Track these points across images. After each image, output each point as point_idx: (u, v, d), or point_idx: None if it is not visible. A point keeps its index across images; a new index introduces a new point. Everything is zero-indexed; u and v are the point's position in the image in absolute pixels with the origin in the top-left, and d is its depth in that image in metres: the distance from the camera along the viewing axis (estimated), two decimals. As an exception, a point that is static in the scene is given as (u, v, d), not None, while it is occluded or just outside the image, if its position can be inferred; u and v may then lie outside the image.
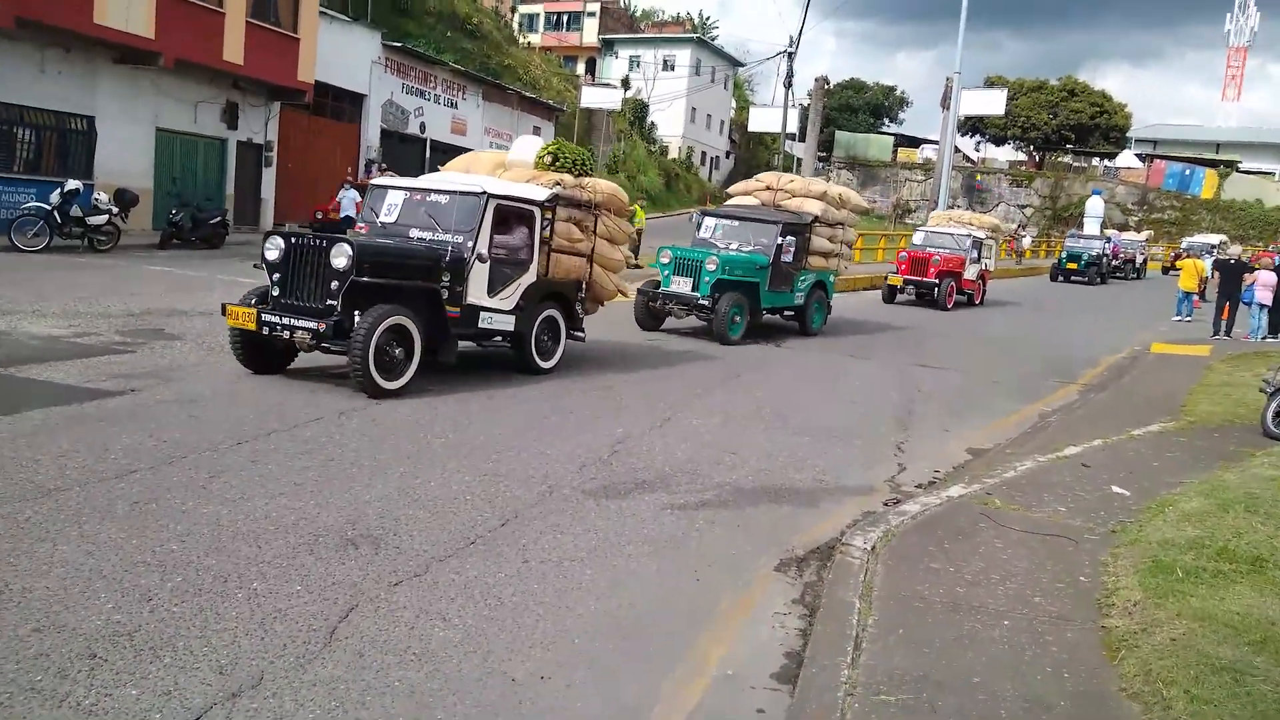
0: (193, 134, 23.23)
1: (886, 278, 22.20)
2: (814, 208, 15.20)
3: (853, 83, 73.71)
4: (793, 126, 39.93)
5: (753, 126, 50.52)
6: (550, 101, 42.86)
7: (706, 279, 13.13)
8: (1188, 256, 25.65)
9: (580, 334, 10.56)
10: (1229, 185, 54.70)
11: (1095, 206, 49.19)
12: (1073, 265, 34.26)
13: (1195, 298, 22.68)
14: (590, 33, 65.17)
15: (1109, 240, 37.21)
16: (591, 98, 45.56)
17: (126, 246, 17.96)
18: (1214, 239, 43.34)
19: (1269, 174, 57.79)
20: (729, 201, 16.41)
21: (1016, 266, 37.36)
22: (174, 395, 7.48)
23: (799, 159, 42.02)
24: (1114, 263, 37.19)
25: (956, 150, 48.67)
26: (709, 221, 15.30)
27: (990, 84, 50.95)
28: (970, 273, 22.62)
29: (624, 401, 8.99)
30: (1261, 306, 17.91)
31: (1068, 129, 59.42)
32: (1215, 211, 53.41)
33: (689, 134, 62.32)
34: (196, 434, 6.42)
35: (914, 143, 63.67)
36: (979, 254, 23.19)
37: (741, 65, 68.88)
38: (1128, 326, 20.33)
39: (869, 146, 60.78)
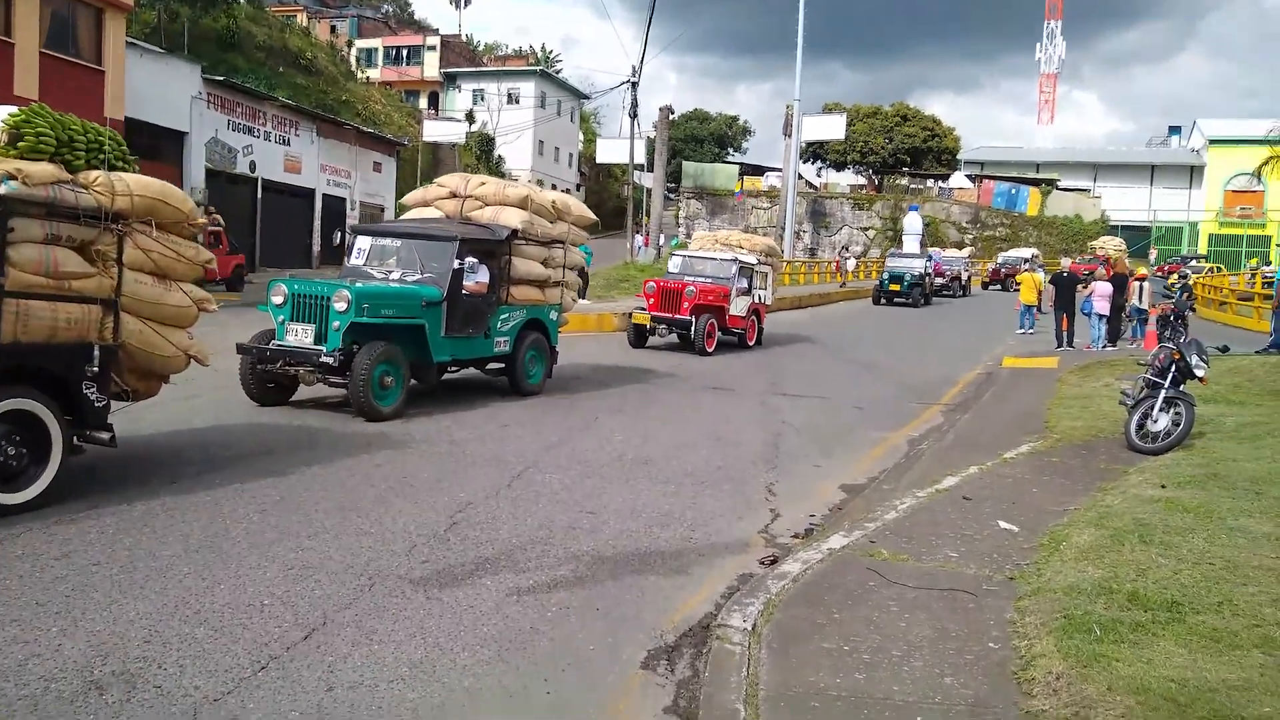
0: (-18, 179, 20.89)
1: (631, 315, 17.47)
2: (513, 219, 11.13)
3: (696, 113, 75.02)
4: (640, 157, 39.83)
5: (600, 158, 50.28)
6: (390, 136, 41.41)
7: (335, 324, 9.08)
8: (1026, 270, 26.54)
9: (104, 435, 6.31)
10: (1051, 202, 57.96)
11: (913, 224, 49.95)
12: (895, 286, 32.24)
13: (1035, 310, 23.34)
14: (431, 67, 63.95)
15: (930, 258, 36.06)
16: (434, 131, 44.51)
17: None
18: (1026, 253, 45.52)
19: (1085, 190, 61.65)
20: (405, 216, 12.36)
21: (840, 290, 36.45)
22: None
23: (648, 189, 41.97)
24: (939, 281, 36.58)
25: (800, 177, 49.76)
26: (362, 242, 11.15)
27: (829, 110, 52.40)
28: (737, 307, 17.82)
29: (470, 458, 8.03)
30: (1100, 316, 18.43)
31: (903, 153, 61.84)
32: (1040, 227, 56.39)
33: (538, 167, 61.72)
34: (-83, 543, 5.12)
35: (759, 171, 64.88)
36: (749, 284, 18.49)
37: (587, 97, 68.99)
38: (968, 348, 20.65)
39: (715, 176, 61.53)
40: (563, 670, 4.12)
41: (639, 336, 17.17)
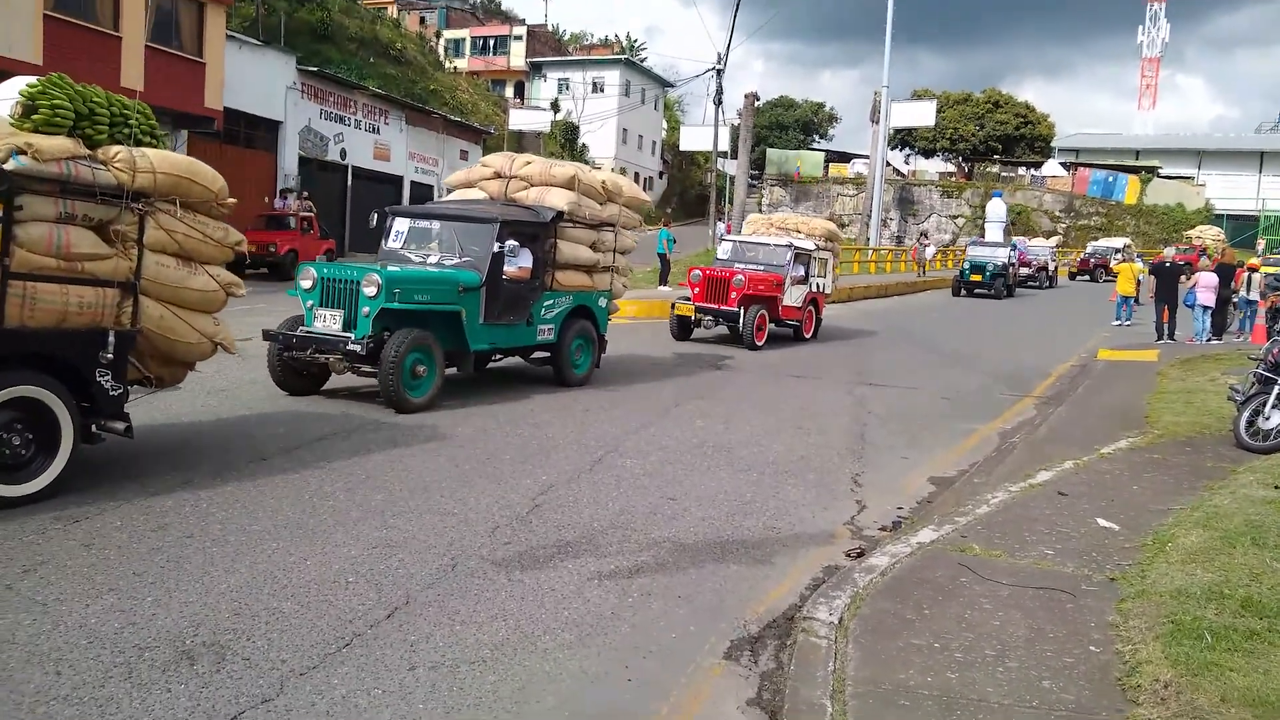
0: (90, 166, 21.72)
1: (674, 306, 16.03)
2: (559, 200, 10.58)
3: (782, 100, 74.03)
4: (724, 145, 39.53)
5: (684, 145, 50.13)
6: (477, 124, 41.87)
7: (365, 310, 8.66)
8: (1124, 260, 25.56)
9: (119, 425, 6.04)
10: (1151, 190, 55.66)
11: (996, 210, 47.71)
12: (976, 277, 30.41)
13: (1134, 301, 22.49)
14: (517, 56, 64.40)
15: (1014, 247, 33.92)
16: (520, 120, 44.87)
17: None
18: (1118, 242, 43.81)
19: (1188, 178, 59.08)
20: (447, 197, 11.89)
21: (919, 279, 34.35)
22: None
23: (731, 177, 41.62)
24: (1025, 271, 34.88)
25: (887, 164, 48.74)
26: (399, 224, 10.50)
27: (918, 97, 51.19)
28: (792, 297, 16.49)
29: (552, 441, 8.03)
30: (1205, 309, 17.64)
31: (994, 140, 60.11)
32: (1139, 216, 54.24)
33: (621, 155, 61.75)
34: (22, 509, 5.31)
35: (845, 158, 63.79)
36: (806, 271, 17.03)
37: (671, 85, 68.74)
38: (1059, 339, 19.94)
39: (802, 163, 60.70)
40: (644, 657, 4.06)
41: (682, 329, 15.86)
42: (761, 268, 16.30)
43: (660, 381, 11.66)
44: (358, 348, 8.51)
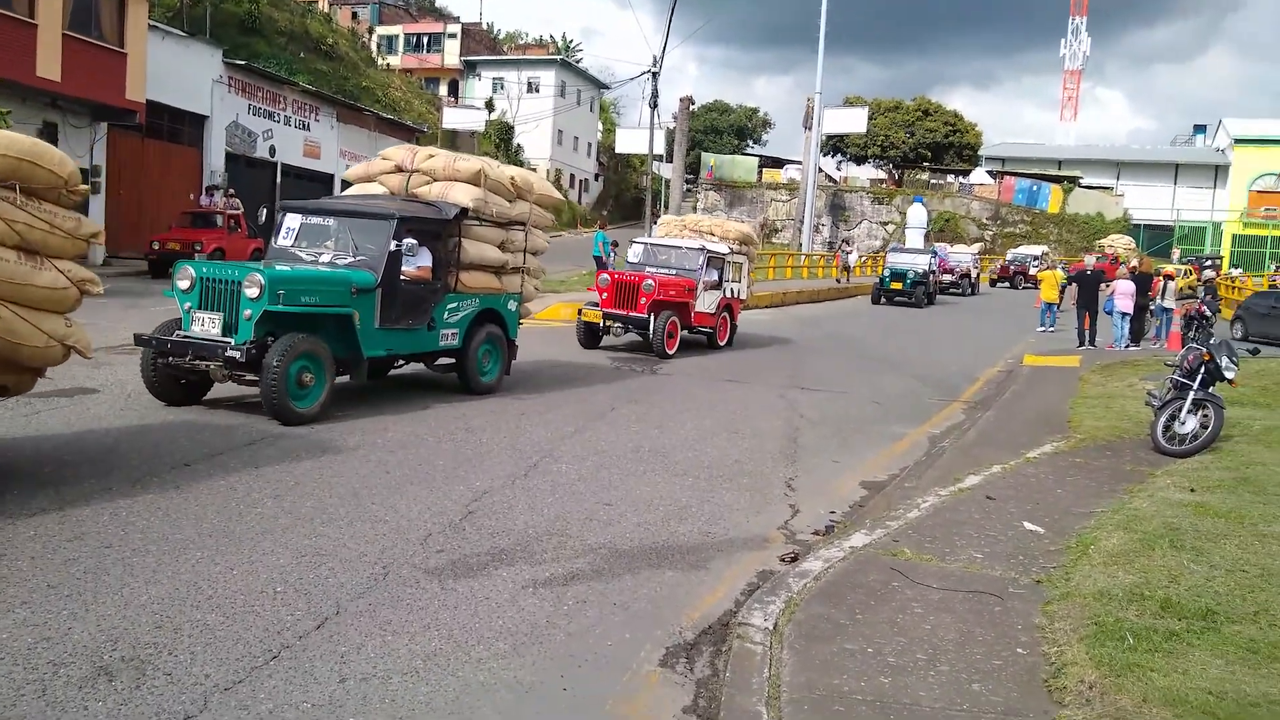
0: (3, 158, 20.89)
1: (581, 312, 15.25)
2: (464, 196, 9.93)
3: (717, 104, 74.67)
4: (660, 148, 39.66)
5: (620, 148, 50.24)
6: (410, 122, 41.35)
7: (247, 313, 7.99)
8: (1045, 268, 26.29)
9: None
10: (1072, 200, 57.36)
11: (917, 216, 47.15)
12: (896, 285, 29.48)
13: (1056, 308, 23.12)
14: (452, 55, 63.80)
15: (935, 254, 32.99)
16: (454, 119, 44.48)
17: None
18: (1037, 250, 44.96)
19: (1108, 188, 61.00)
20: (347, 192, 11.12)
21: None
22: (-82, 468, 6.06)
23: (667, 180, 41.80)
24: (947, 278, 34.58)
25: (820, 170, 49.38)
26: (290, 220, 9.75)
27: (850, 104, 51.96)
28: (705, 303, 15.78)
29: (486, 447, 7.95)
30: (1123, 315, 18.21)
31: (924, 147, 61.39)
32: (1061, 225, 55.85)
33: (556, 156, 61.56)
34: (-70, 521, 5.07)
35: (778, 163, 64.52)
36: (720, 276, 16.36)
37: (606, 87, 68.75)
38: (982, 347, 20.42)
39: (735, 168, 61.20)
40: (579, 666, 4.03)
41: (589, 336, 15.08)
42: (673, 271, 15.67)
43: (594, 386, 11.63)
44: (237, 354, 7.81)
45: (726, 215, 56.95)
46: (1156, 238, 58.13)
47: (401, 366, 10.43)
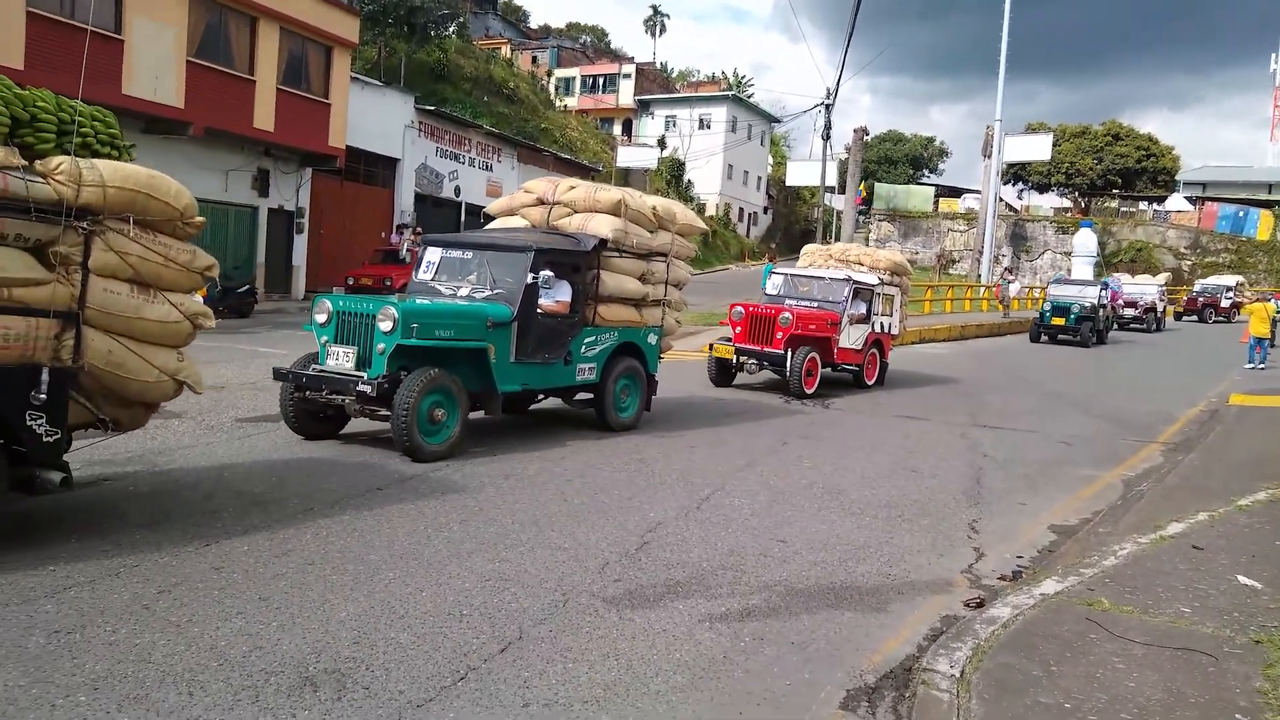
0: (223, 202, 22.98)
1: (712, 347, 14.40)
2: (603, 227, 9.73)
3: (891, 134, 73.33)
4: (831, 179, 39.26)
5: (790, 180, 50.09)
6: (586, 161, 42.64)
7: (380, 347, 7.94)
8: (1258, 300, 24.24)
9: (54, 477, 5.24)
10: (1286, 226, 52.88)
11: (1085, 243, 43.43)
12: (1058, 320, 26.49)
13: (1268, 343, 21.28)
14: (626, 94, 65.45)
15: (1106, 285, 29.48)
16: (628, 157, 45.53)
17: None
18: (1230, 280, 41.17)
19: (1327, 213, 55.88)
20: (490, 226, 10.99)
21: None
22: (150, 486, 6.67)
23: (839, 212, 41.26)
24: (1129, 313, 31.94)
25: (1000, 199, 47.53)
26: (431, 254, 9.82)
27: (1033, 130, 49.90)
28: (850, 338, 14.66)
29: (659, 477, 8.03)
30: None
31: (1113, 174, 58.27)
32: (1272, 253, 51.55)
33: (726, 191, 61.94)
34: (159, 534, 5.57)
35: (955, 193, 62.65)
36: (868, 309, 15.14)
37: (777, 121, 68.77)
38: (1184, 384, 18.96)
39: (910, 198, 59.82)
40: (758, 704, 3.98)
41: (722, 373, 14.21)
42: (815, 304, 14.70)
43: (762, 421, 11.55)
44: (368, 388, 7.73)
45: (900, 246, 55.75)
46: (1388, 266, 52.70)
47: (541, 401, 10.30)
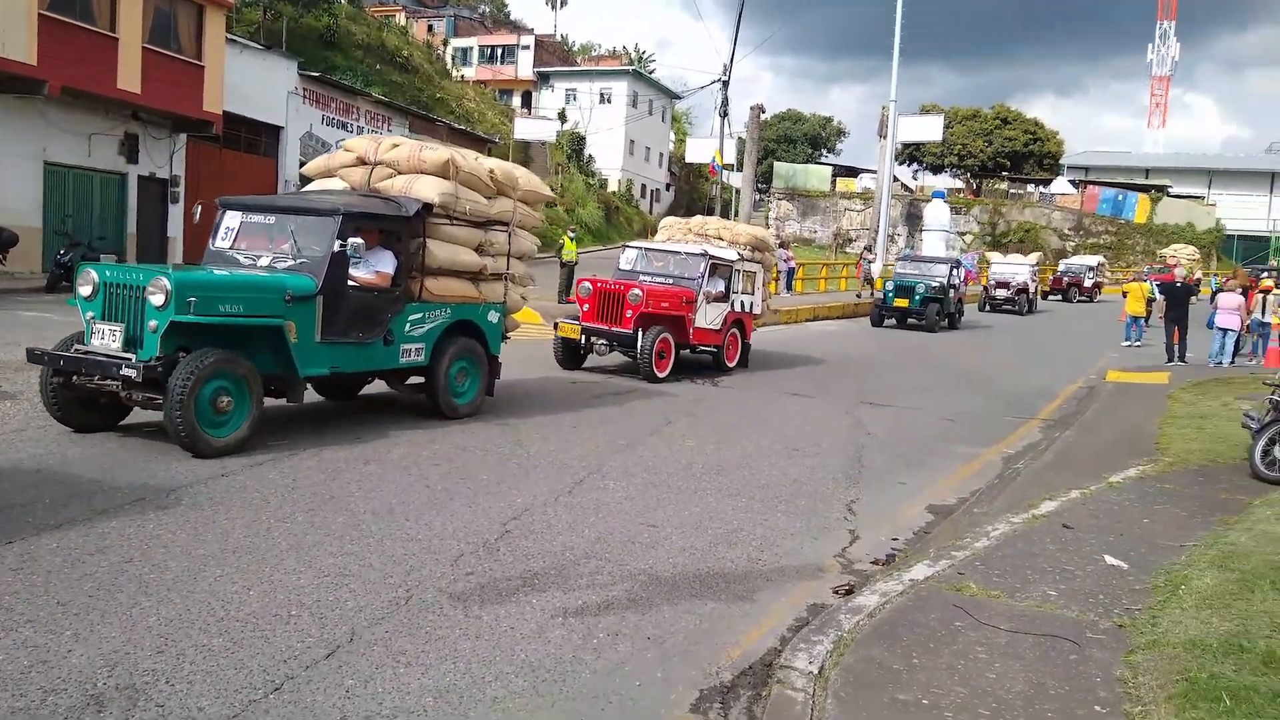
0: (87, 168, 21.52)
1: (557, 326, 13.09)
2: (428, 190, 8.68)
3: (790, 114, 73.89)
4: (730, 157, 39.25)
5: (690, 157, 49.96)
6: (482, 133, 41.66)
7: (152, 324, 6.87)
8: (1135, 280, 25.12)
9: None
10: (1161, 209, 55.28)
11: (938, 214, 38.72)
12: (902, 302, 23.57)
13: (1144, 322, 22.07)
14: (525, 66, 64.25)
15: (958, 264, 27.02)
16: (526, 129, 44.62)
17: (6, 290, 16.37)
18: (1092, 260, 42.28)
19: (1198, 198, 58.66)
20: (307, 188, 9.71)
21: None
22: (-42, 475, 6.01)
23: (737, 190, 41.36)
24: (1001, 294, 30.81)
25: (895, 179, 48.31)
26: (229, 219, 8.48)
27: (926, 111, 50.87)
28: (707, 317, 13.53)
29: (533, 460, 7.67)
30: (1223, 330, 17.24)
31: (1003, 156, 59.88)
32: (1149, 235, 53.81)
33: (628, 166, 61.52)
34: (-45, 531, 4.97)
35: (853, 173, 63.52)
36: (727, 287, 14.02)
37: (678, 97, 68.49)
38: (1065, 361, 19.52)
39: (808, 177, 60.42)
40: (603, 709, 3.69)
41: (569, 355, 13.09)
42: (670, 281, 13.58)
43: (648, 400, 11.30)
44: (133, 373, 6.63)
45: (799, 225, 56.36)
46: (1252, 249, 55.65)
47: (372, 382, 9.37)
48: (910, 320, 23.78)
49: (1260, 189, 60.56)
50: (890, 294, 23.90)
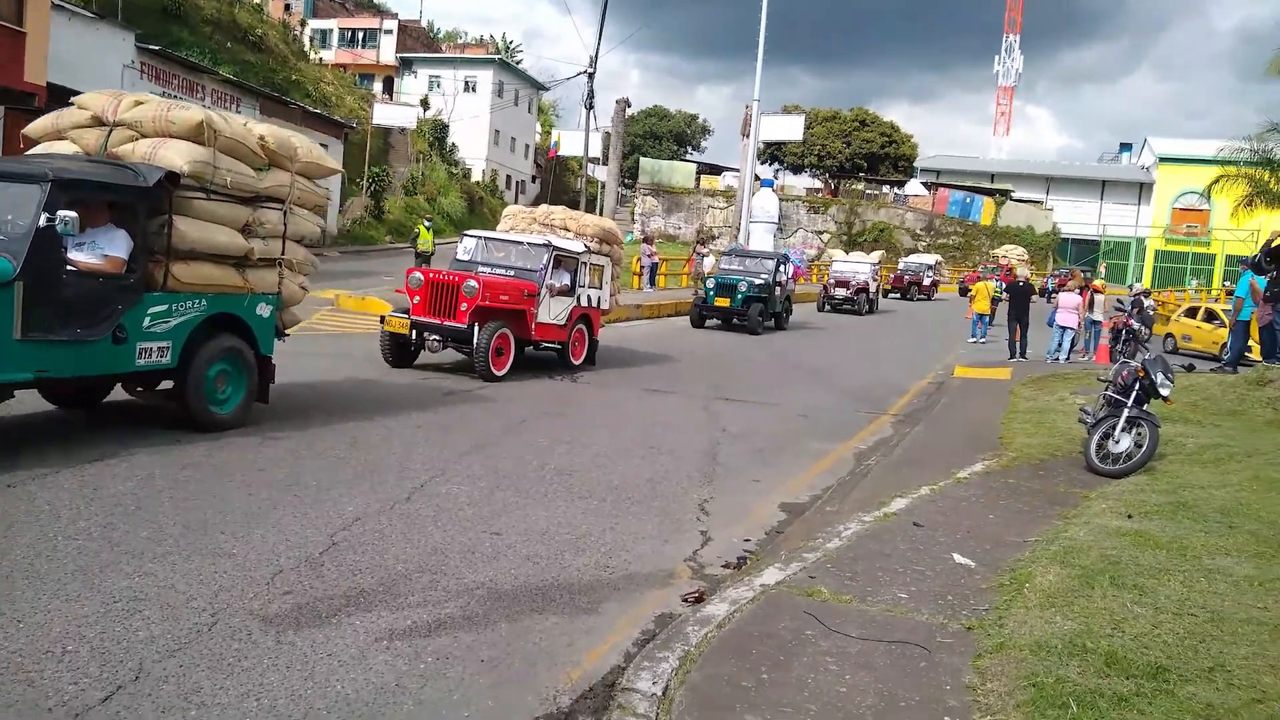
0: (-116, 141, 19.49)
1: (384, 320, 12.08)
2: (177, 157, 7.12)
3: (656, 110, 74.38)
4: (596, 151, 39.02)
5: (564, 150, 49.37)
6: (339, 118, 40.06)
7: None
8: (980, 279, 26.19)
9: None
10: (1005, 212, 58.15)
11: (765, 205, 36.03)
12: (723, 301, 21.23)
13: (989, 319, 23.03)
14: (388, 51, 62.38)
15: (785, 260, 24.77)
16: (386, 115, 43.26)
17: None
18: (930, 259, 44.20)
19: (1038, 202, 62.05)
20: (31, 152, 7.73)
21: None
22: None
23: (603, 183, 41.18)
24: (841, 293, 29.51)
25: (757, 178, 49.14)
26: None
27: (788, 111, 51.94)
28: (551, 311, 12.81)
29: (370, 464, 7.17)
30: (1063, 328, 18.09)
31: (860, 158, 61.82)
32: (994, 237, 56.49)
33: (493, 157, 60.56)
34: None
35: (717, 170, 64.33)
36: (572, 280, 13.31)
37: (545, 88, 67.94)
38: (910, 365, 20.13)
39: (673, 174, 60.81)
40: (424, 747, 3.34)
41: (398, 352, 11.94)
42: (511, 272, 12.75)
43: (501, 402, 10.90)
44: None
45: (664, 221, 56.61)
46: (1083, 251, 59.22)
47: (143, 390, 7.90)
48: (734, 321, 21.60)
49: (1092, 196, 64.46)
50: (711, 292, 21.59)
